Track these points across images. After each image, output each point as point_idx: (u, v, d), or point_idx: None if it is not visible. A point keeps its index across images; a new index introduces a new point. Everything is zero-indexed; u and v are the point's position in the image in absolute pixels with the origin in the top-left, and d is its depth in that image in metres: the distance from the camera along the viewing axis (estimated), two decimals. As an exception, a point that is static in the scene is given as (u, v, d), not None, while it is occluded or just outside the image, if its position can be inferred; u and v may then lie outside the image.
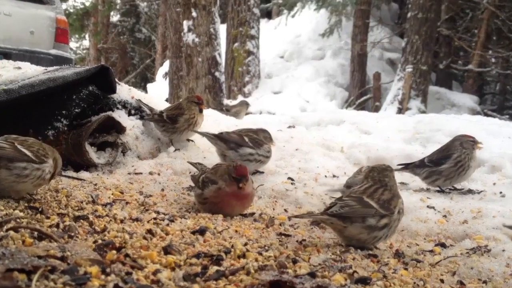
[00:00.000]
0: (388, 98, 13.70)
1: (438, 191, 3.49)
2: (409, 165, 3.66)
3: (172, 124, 3.83)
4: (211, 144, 3.61)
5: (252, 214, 2.67)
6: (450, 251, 2.28)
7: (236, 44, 14.82)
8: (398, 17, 18.67)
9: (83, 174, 3.21)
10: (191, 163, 3.18)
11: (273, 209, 2.88)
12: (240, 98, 14.66)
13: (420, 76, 13.22)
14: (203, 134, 3.64)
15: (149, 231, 2.02)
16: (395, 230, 2.21)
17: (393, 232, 2.18)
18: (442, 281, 1.84)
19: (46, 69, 3.74)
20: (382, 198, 2.15)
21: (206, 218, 2.41)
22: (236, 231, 2.24)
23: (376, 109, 14.16)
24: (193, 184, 2.81)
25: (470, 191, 3.45)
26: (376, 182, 2.23)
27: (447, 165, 3.43)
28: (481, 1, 14.86)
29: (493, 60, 16.29)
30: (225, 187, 2.48)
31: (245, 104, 7.32)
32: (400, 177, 3.79)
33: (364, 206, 2.12)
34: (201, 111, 3.93)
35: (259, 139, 3.52)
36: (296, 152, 4.28)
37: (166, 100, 10.78)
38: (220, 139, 3.48)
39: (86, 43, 26.38)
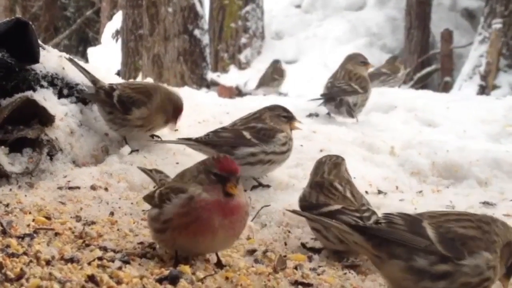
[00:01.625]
0: (465, 70, 13.68)
1: None
2: None
3: (123, 113, 3.81)
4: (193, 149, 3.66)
5: (253, 251, 2.66)
6: None
7: (226, -14, 14.86)
8: None
9: (-12, 189, 3.21)
10: (143, 170, 3.10)
11: (285, 244, 2.88)
12: (233, 69, 14.70)
13: (515, 36, 13.20)
14: (176, 143, 3.69)
15: (91, 279, 2.02)
16: None
17: None
18: None
19: None
20: (454, 231, 2.10)
21: (180, 257, 2.40)
22: (227, 278, 2.24)
23: (446, 87, 14.16)
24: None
25: None
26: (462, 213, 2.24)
27: None
28: None
29: None
30: (201, 193, 2.32)
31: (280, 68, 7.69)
32: (483, 193, 3.78)
33: (413, 231, 2.09)
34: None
35: (267, 127, 3.55)
36: (321, 155, 4.26)
37: (118, 74, 10.80)
38: (205, 144, 3.51)
39: (-8, -16, 26.38)
